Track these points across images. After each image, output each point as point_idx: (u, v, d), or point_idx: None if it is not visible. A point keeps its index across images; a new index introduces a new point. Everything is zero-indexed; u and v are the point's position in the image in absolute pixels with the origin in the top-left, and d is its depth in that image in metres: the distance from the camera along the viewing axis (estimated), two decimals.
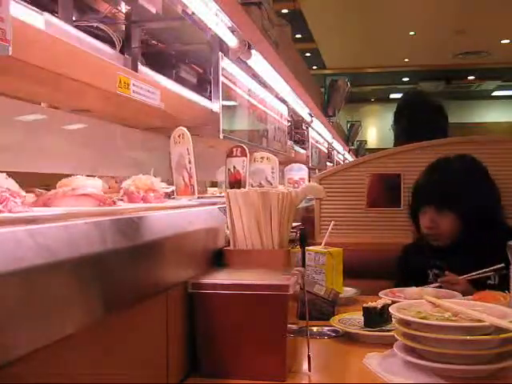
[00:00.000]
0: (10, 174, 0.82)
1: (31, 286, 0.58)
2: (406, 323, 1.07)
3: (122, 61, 1.92)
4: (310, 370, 1.07)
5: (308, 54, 10.39)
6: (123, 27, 2.06)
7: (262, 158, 2.00)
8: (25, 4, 1.41)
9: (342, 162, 8.14)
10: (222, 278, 1.10)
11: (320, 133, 6.03)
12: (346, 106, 9.90)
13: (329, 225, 1.80)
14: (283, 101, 3.68)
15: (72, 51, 1.23)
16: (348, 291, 1.75)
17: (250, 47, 2.39)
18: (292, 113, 4.34)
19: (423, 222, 1.86)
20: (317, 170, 5.09)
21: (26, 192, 0.87)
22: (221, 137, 2.14)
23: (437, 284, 1.70)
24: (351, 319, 1.39)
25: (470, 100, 15.01)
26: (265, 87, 3.12)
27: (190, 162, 1.37)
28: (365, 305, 1.33)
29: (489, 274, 1.67)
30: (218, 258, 1.25)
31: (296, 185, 3.22)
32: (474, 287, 1.62)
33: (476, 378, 1.01)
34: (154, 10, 2.04)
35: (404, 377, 1.02)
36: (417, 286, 1.57)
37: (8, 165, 1.54)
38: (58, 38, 1.19)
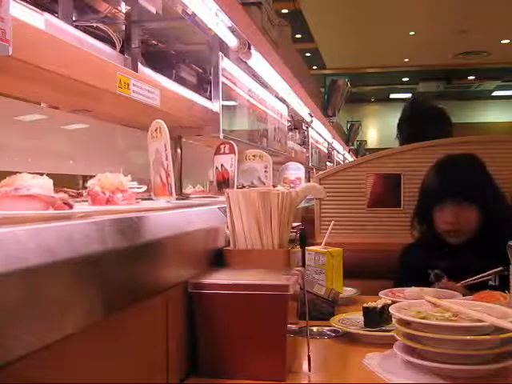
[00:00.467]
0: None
1: (31, 285, 0.58)
2: (406, 323, 1.07)
3: (122, 61, 1.92)
4: (309, 370, 1.07)
5: (308, 54, 10.38)
6: (123, 27, 2.05)
7: (254, 155, 1.89)
8: (25, 4, 1.41)
9: (342, 162, 8.14)
10: (221, 278, 1.10)
11: (320, 133, 6.03)
12: (345, 106, 9.90)
13: (329, 225, 1.80)
14: (283, 101, 3.68)
15: (72, 51, 1.23)
16: (348, 291, 1.75)
17: (249, 47, 2.39)
18: (292, 113, 4.34)
19: (444, 217, 1.80)
20: (315, 170, 5.09)
21: None
22: (221, 137, 2.14)
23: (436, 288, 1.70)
24: (351, 319, 1.39)
25: (469, 100, 15.01)
26: (265, 87, 3.12)
27: (167, 159, 1.23)
28: (365, 305, 1.33)
29: (487, 277, 1.66)
30: (218, 258, 1.25)
31: (292, 184, 3.12)
32: (475, 290, 1.61)
33: (476, 378, 1.01)
34: (153, 10, 2.04)
35: (404, 377, 1.02)
36: (416, 285, 1.57)
37: (8, 165, 1.54)
38: (57, 38, 1.19)
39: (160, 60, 2.42)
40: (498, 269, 1.56)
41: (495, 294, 1.35)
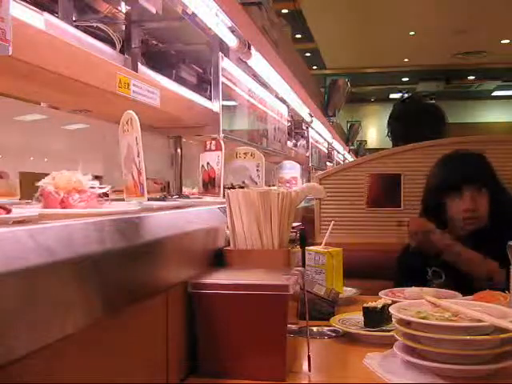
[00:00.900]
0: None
1: (30, 285, 0.58)
2: (406, 323, 1.07)
3: (122, 61, 1.92)
4: (310, 370, 1.07)
5: (308, 54, 10.39)
6: (123, 27, 2.05)
7: (245, 153, 1.78)
8: (25, 4, 1.41)
9: (342, 162, 8.14)
10: (222, 277, 1.10)
11: (320, 133, 6.03)
12: (345, 106, 9.89)
13: (329, 225, 1.80)
14: (283, 101, 3.68)
15: (72, 51, 1.23)
16: (348, 291, 1.75)
17: (249, 47, 2.39)
18: (292, 113, 4.34)
19: (464, 205, 1.78)
20: (313, 169, 5.08)
21: None
22: (221, 137, 2.14)
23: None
24: (351, 319, 1.39)
25: (469, 100, 15.01)
26: (265, 87, 3.12)
27: (138, 155, 1.07)
28: (365, 305, 1.33)
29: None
30: (218, 258, 1.25)
31: (287, 184, 3.02)
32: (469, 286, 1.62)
33: (476, 378, 1.01)
34: (153, 10, 2.03)
35: (404, 377, 1.02)
36: (416, 285, 1.57)
37: (8, 165, 1.54)
38: (57, 38, 1.19)
39: (160, 60, 2.42)
40: None
41: (495, 293, 1.35)
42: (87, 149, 1.91)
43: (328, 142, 7.02)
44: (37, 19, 1.38)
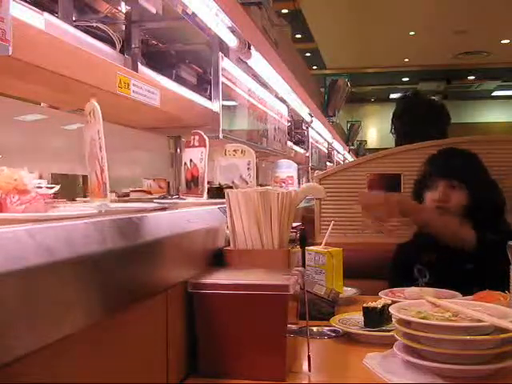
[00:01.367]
0: None
1: (30, 285, 0.58)
2: (406, 323, 1.07)
3: (122, 61, 1.92)
4: (310, 370, 1.07)
5: (308, 54, 10.39)
6: (123, 27, 2.06)
7: (235, 150, 1.66)
8: (25, 4, 1.41)
9: (342, 162, 8.14)
10: (222, 278, 1.10)
11: (320, 133, 6.03)
12: (345, 106, 9.92)
13: (329, 225, 1.80)
14: (283, 101, 3.68)
15: (72, 51, 1.23)
16: (348, 291, 1.74)
17: (249, 47, 2.39)
18: (292, 113, 4.34)
19: (434, 196, 1.84)
20: (310, 169, 5.08)
21: None
22: (221, 137, 2.14)
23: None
24: (351, 319, 1.39)
25: (469, 100, 15.02)
26: (265, 87, 3.12)
27: (101, 149, 0.93)
28: (365, 305, 1.33)
29: None
30: (218, 258, 1.25)
31: (283, 184, 2.91)
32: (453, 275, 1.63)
33: (476, 378, 1.01)
34: (153, 10, 2.04)
35: (404, 377, 1.02)
36: (407, 284, 1.57)
37: (8, 165, 1.54)
38: (57, 38, 1.19)
39: (160, 60, 2.42)
40: None
41: (495, 294, 1.35)
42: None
43: (328, 142, 7.02)
44: (37, 19, 1.38)
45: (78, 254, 0.68)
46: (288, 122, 4.02)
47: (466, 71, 12.61)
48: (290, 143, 4.26)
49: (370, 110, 15.98)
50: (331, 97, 8.31)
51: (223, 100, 2.19)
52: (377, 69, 12.22)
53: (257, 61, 2.61)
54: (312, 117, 4.93)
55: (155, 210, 1.04)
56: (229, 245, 1.31)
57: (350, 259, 1.70)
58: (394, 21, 8.87)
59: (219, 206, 1.35)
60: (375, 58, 11.21)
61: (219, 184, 1.58)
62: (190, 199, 1.50)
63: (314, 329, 1.34)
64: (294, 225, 1.38)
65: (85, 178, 2.05)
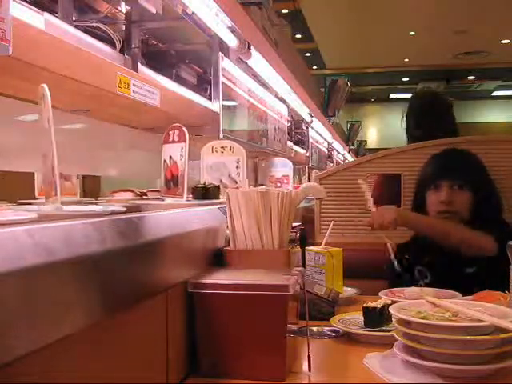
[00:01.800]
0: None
1: (30, 285, 0.58)
2: (406, 323, 1.07)
3: (122, 61, 1.92)
4: (310, 370, 1.07)
5: (308, 54, 10.39)
6: (123, 27, 2.06)
7: (223, 147, 1.57)
8: (25, 4, 1.41)
9: (342, 162, 8.14)
10: (222, 278, 1.10)
11: (320, 133, 6.03)
12: (345, 106, 9.91)
13: (329, 225, 1.80)
14: (283, 101, 3.68)
15: (72, 51, 1.23)
16: (348, 291, 1.75)
17: (249, 47, 2.39)
18: (292, 113, 4.34)
19: (439, 198, 1.82)
20: (307, 169, 5.07)
21: None
22: (221, 137, 2.14)
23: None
24: (351, 319, 1.39)
25: (469, 100, 15.00)
26: (265, 87, 3.12)
27: (51, 143, 0.79)
28: (365, 305, 1.33)
29: None
30: (218, 258, 1.25)
31: (278, 183, 2.84)
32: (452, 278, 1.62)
33: (476, 378, 1.01)
34: (153, 10, 2.04)
35: (404, 377, 1.02)
36: (407, 285, 1.57)
37: (8, 165, 1.54)
38: (57, 38, 1.19)
39: (160, 60, 2.42)
40: None
41: (495, 294, 1.35)
42: (87, 149, 1.91)
43: (328, 142, 7.02)
44: (37, 19, 1.38)
45: (77, 254, 0.68)
46: (288, 121, 4.02)
47: (466, 71, 12.60)
48: (290, 143, 4.26)
49: (369, 110, 15.97)
50: (331, 97, 8.30)
51: (223, 100, 2.19)
52: (377, 69, 12.22)
53: (257, 61, 2.61)
54: (312, 117, 4.93)
55: (102, 214, 0.83)
56: (229, 245, 1.31)
57: (349, 259, 1.70)
58: (394, 21, 8.86)
59: (194, 208, 1.22)
60: (375, 57, 11.20)
61: (204, 183, 1.46)
62: (169, 200, 1.38)
63: (314, 329, 1.34)
64: (294, 225, 1.38)
65: (84, 177, 2.04)
